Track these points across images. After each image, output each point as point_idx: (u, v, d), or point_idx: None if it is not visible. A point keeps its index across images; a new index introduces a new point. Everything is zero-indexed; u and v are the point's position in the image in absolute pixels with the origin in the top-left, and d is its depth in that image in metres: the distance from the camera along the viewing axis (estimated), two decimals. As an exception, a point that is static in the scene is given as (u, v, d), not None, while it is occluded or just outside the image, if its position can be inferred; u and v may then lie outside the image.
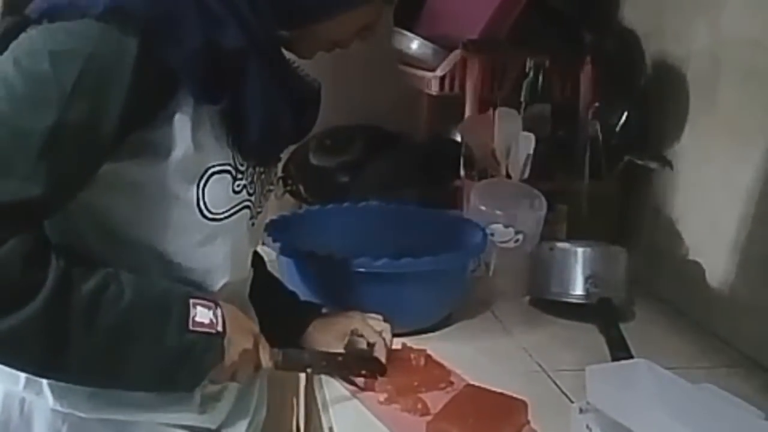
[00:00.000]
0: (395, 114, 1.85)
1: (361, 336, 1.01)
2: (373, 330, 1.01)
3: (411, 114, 1.88)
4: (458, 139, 1.68)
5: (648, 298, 1.37)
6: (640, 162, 1.45)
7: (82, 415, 0.80)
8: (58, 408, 0.79)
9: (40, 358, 0.69)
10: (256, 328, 0.86)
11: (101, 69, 0.69)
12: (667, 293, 1.39)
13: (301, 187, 1.69)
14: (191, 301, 0.76)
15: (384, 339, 1.01)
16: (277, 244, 1.13)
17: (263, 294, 0.98)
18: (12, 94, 0.67)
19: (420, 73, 1.69)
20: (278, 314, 0.99)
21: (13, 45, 0.70)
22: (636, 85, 1.51)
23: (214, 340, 0.76)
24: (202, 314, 0.76)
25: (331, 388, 1.00)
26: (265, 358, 0.84)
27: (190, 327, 0.74)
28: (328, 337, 1.02)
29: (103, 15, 0.68)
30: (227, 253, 0.83)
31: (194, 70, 0.72)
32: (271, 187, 0.92)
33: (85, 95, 0.68)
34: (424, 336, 1.14)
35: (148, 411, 0.81)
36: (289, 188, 1.70)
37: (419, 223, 1.34)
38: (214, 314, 0.77)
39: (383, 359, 0.98)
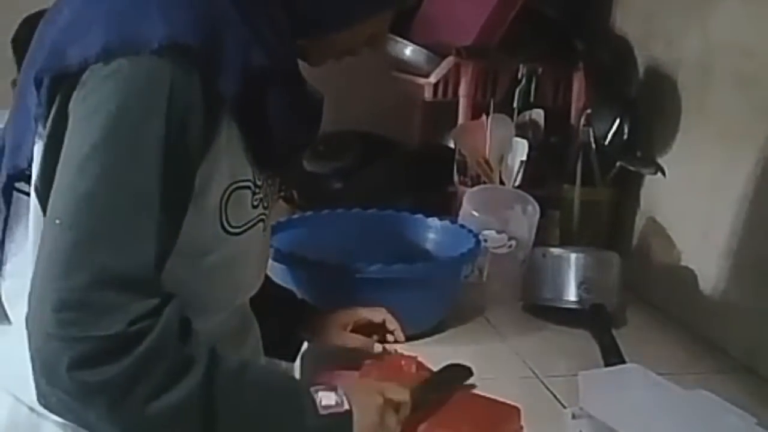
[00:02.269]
0: (389, 120, 1.85)
1: (367, 324, 1.03)
2: (376, 313, 1.04)
3: (404, 120, 1.89)
4: (451, 145, 1.68)
5: (640, 303, 1.38)
6: (632, 168, 1.46)
7: None
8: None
9: None
10: (383, 396, 0.84)
11: (182, 108, 0.68)
12: (659, 299, 1.40)
13: (295, 193, 1.69)
14: (311, 388, 0.78)
15: (388, 327, 1.03)
16: (270, 250, 1.14)
17: (261, 294, 0.97)
18: (110, 160, 0.65)
19: (414, 79, 1.70)
20: (275, 312, 1.00)
21: (81, 107, 0.68)
22: (627, 91, 1.51)
23: (344, 419, 0.78)
24: (327, 398, 0.77)
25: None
26: (392, 421, 0.84)
27: (321, 412, 0.76)
28: (334, 327, 1.03)
29: (159, 50, 0.66)
30: (246, 266, 0.84)
31: (239, 95, 0.72)
32: (276, 196, 0.92)
33: (175, 139, 0.67)
34: (417, 342, 1.14)
35: None
36: (282, 194, 1.70)
37: (412, 229, 1.35)
38: (338, 395, 0.78)
39: (400, 329, 1.03)
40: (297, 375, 1.08)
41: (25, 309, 0.72)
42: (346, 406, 0.78)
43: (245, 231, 0.80)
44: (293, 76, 0.82)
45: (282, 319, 1.03)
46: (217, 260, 0.79)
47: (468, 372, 1.00)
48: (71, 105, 0.68)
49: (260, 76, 0.74)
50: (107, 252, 0.65)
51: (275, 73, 0.76)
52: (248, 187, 0.79)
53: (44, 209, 0.69)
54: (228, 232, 0.78)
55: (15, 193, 0.76)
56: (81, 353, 0.63)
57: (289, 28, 0.80)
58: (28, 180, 0.74)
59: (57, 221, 0.65)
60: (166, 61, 0.67)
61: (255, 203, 0.81)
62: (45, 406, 0.68)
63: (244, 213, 0.79)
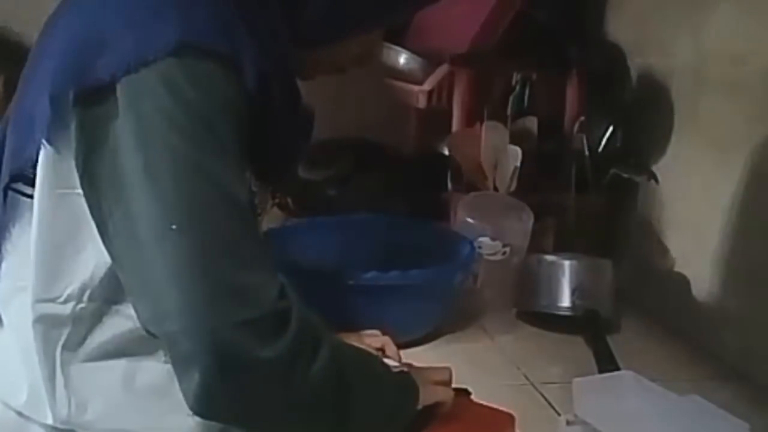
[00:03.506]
0: (383, 127, 1.85)
1: None
2: (370, 347, 0.99)
3: (399, 127, 1.89)
4: (446, 152, 1.69)
5: (634, 310, 1.38)
6: (625, 175, 1.46)
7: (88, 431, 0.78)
8: (58, 425, 0.78)
9: (278, 400, 0.69)
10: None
11: (233, 107, 0.69)
12: (653, 305, 1.40)
13: (289, 200, 1.69)
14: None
15: (387, 354, 1.00)
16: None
17: None
18: (197, 157, 0.66)
19: (408, 86, 1.70)
20: None
21: (129, 117, 0.66)
22: (621, 99, 1.52)
23: (408, 376, 0.83)
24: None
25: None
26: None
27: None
28: None
29: (177, 52, 0.65)
30: None
31: (253, 96, 0.72)
32: (264, 205, 0.91)
33: (234, 134, 0.69)
34: (411, 349, 1.14)
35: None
36: (276, 201, 1.70)
37: (407, 236, 1.35)
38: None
39: (397, 358, 1.01)
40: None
41: (19, 311, 0.73)
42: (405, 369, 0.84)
43: None
44: (292, 87, 0.81)
45: None
46: None
47: (466, 393, 0.99)
48: (113, 119, 0.66)
49: (264, 80, 0.73)
50: (234, 240, 0.67)
51: (275, 78, 0.75)
52: None
53: (96, 219, 0.69)
54: None
55: (11, 194, 0.75)
56: (254, 333, 0.64)
57: (288, 40, 0.80)
58: (27, 182, 0.73)
59: (173, 227, 0.65)
60: (195, 60, 0.66)
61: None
62: (203, 414, 0.67)
63: None
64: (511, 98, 1.59)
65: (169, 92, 0.65)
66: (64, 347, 0.74)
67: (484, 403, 0.96)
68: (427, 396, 0.85)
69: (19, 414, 0.78)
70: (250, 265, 0.67)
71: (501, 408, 0.94)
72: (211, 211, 0.66)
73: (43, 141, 0.70)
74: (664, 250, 1.40)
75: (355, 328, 1.04)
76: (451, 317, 1.25)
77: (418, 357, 1.08)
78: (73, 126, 0.68)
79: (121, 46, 0.66)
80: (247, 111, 0.70)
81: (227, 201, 0.67)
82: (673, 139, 1.38)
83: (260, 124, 0.74)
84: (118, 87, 0.66)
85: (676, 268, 1.36)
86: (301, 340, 0.67)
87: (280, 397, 0.68)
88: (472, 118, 1.60)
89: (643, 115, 1.46)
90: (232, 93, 0.68)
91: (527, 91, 1.60)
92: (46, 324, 0.73)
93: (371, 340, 1.01)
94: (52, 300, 0.72)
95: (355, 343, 0.98)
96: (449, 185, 1.59)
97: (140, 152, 0.65)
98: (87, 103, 0.67)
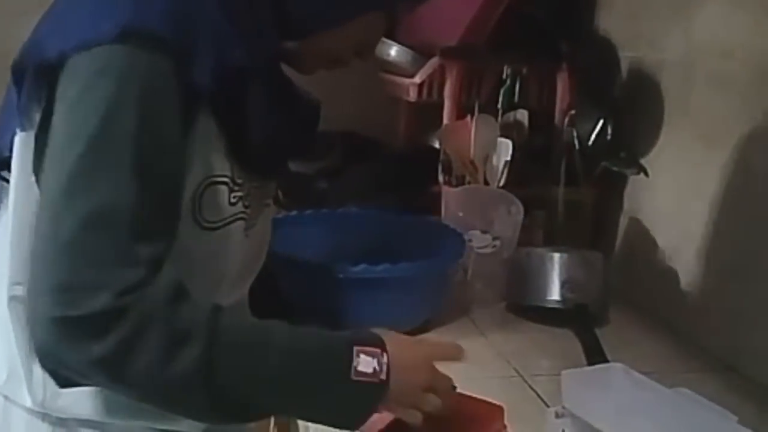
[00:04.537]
0: (374, 120, 1.85)
1: None
2: None
3: (389, 120, 1.89)
4: (436, 145, 1.69)
5: (623, 303, 1.39)
6: (615, 168, 1.47)
7: (63, 416, 0.79)
8: (36, 409, 0.79)
9: (195, 406, 0.69)
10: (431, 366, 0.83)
11: (154, 95, 0.68)
12: (641, 298, 1.40)
13: (280, 193, 1.69)
14: (355, 348, 0.74)
15: None
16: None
17: (258, 313, 0.94)
18: (84, 149, 0.66)
19: (399, 79, 1.70)
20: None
21: (62, 99, 0.68)
22: (611, 92, 1.52)
23: (376, 389, 0.74)
24: (365, 363, 0.73)
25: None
26: (434, 401, 0.81)
27: (353, 377, 0.73)
28: None
29: (126, 38, 0.67)
30: (225, 263, 0.83)
31: (215, 90, 0.72)
32: (268, 202, 0.91)
33: (150, 124, 0.68)
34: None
35: (148, 419, 0.81)
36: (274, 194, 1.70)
37: (397, 229, 1.35)
38: (378, 363, 0.74)
39: None
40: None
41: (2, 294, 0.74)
42: (383, 377, 0.74)
43: (221, 227, 0.79)
44: (275, 78, 0.82)
45: None
46: (191, 254, 0.77)
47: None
48: (56, 96, 0.69)
49: (239, 74, 0.74)
50: (86, 239, 0.65)
51: (255, 72, 0.76)
52: (225, 183, 0.78)
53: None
54: (202, 227, 0.78)
55: None
56: (67, 333, 0.64)
57: (275, 29, 0.80)
58: (8, 167, 0.75)
59: (42, 214, 0.67)
60: (135, 48, 0.67)
61: (233, 200, 0.80)
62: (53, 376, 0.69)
63: (220, 209, 0.79)
64: (501, 91, 1.60)
65: (95, 79, 0.67)
66: None
67: (474, 395, 0.96)
68: (405, 392, 0.78)
69: (6, 397, 0.79)
70: (93, 264, 0.65)
71: (490, 400, 0.95)
72: (73, 208, 0.65)
73: (20, 121, 0.72)
74: (654, 244, 1.40)
75: (346, 321, 1.04)
76: (441, 310, 1.25)
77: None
78: (35, 107, 0.71)
79: (74, 29, 0.69)
80: (192, 103, 0.71)
81: (98, 200, 0.66)
82: (663, 132, 1.39)
83: (234, 117, 0.75)
84: (64, 67, 0.68)
85: (666, 262, 1.37)
86: (135, 340, 0.64)
87: (123, 388, 0.68)
88: (463, 111, 1.60)
89: (633, 109, 1.46)
90: (169, 84, 0.69)
91: (518, 85, 1.60)
92: (20, 306, 0.74)
93: None
94: (25, 282, 0.72)
95: None
96: (440, 178, 1.59)
97: (55, 137, 0.68)
98: (43, 84, 0.70)
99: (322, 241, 1.29)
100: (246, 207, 0.82)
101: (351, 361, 0.73)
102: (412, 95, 1.66)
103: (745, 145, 1.15)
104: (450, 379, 0.84)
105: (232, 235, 0.82)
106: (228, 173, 0.78)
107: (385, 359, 0.75)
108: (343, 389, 0.73)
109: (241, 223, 0.82)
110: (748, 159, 1.14)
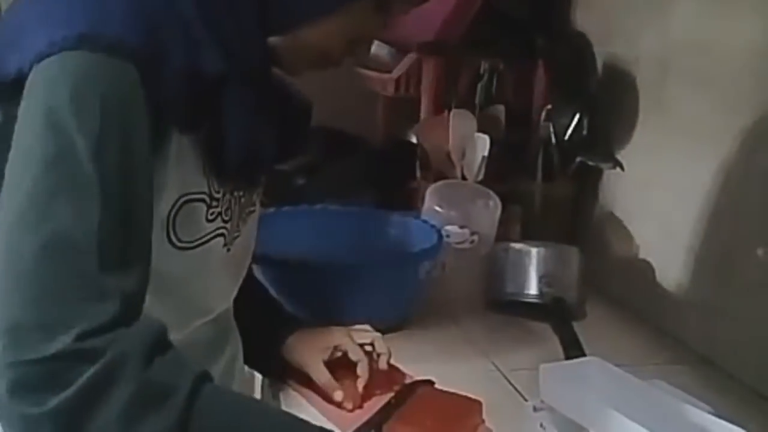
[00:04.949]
0: (351, 116, 1.85)
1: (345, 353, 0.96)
2: (357, 347, 0.96)
3: (367, 116, 1.89)
4: (414, 140, 1.69)
5: (600, 296, 1.40)
6: (591, 163, 1.47)
7: None
8: None
9: None
10: None
11: (118, 106, 0.62)
12: (618, 292, 1.42)
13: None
14: None
15: (376, 352, 0.97)
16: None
17: (246, 304, 0.93)
18: (41, 170, 0.59)
19: (376, 75, 1.70)
20: (257, 324, 0.97)
21: (21, 112, 0.62)
22: (587, 87, 1.53)
23: None
24: None
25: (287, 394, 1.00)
26: None
27: None
28: (311, 350, 0.97)
29: (77, 45, 0.62)
30: (203, 284, 0.79)
31: (180, 100, 0.67)
32: (252, 209, 0.88)
33: (112, 137, 0.61)
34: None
35: None
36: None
37: (375, 224, 1.34)
38: None
39: (366, 375, 0.95)
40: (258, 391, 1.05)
41: None
42: None
43: (198, 246, 0.75)
44: (261, 80, 0.76)
45: (265, 332, 0.98)
46: (166, 277, 0.73)
47: (430, 383, 0.99)
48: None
49: (216, 81, 0.69)
50: (46, 262, 0.57)
51: (235, 78, 0.71)
52: (202, 200, 0.74)
53: None
54: (176, 247, 0.73)
55: None
56: (18, 381, 0.55)
57: (258, 27, 0.74)
58: None
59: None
60: (93, 54, 0.62)
61: (211, 217, 0.76)
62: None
63: (197, 227, 0.75)
64: (478, 87, 1.60)
65: (49, 91, 0.61)
66: None
67: (452, 390, 0.97)
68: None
69: None
70: (51, 299, 0.57)
71: (468, 395, 0.95)
72: (29, 236, 0.58)
73: None
74: (629, 238, 1.41)
75: (323, 317, 1.04)
76: (419, 305, 1.25)
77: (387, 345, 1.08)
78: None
79: (31, 40, 0.64)
80: (163, 115, 0.66)
81: (57, 226, 0.58)
82: (639, 127, 1.40)
83: (211, 129, 0.71)
84: (28, 80, 0.63)
85: (641, 255, 1.38)
86: (97, 393, 0.55)
87: None
88: (440, 106, 1.60)
89: (609, 104, 1.47)
90: (134, 94, 0.63)
91: (495, 80, 1.61)
92: None
93: (360, 336, 0.98)
94: None
95: (344, 339, 0.96)
96: (417, 173, 1.59)
97: (12, 158, 0.62)
98: (5, 98, 0.65)
99: (301, 237, 1.29)
100: (226, 221, 0.79)
101: None
102: (390, 90, 1.66)
103: (721, 140, 1.16)
104: None
105: (212, 252, 0.78)
106: (204, 189, 0.74)
107: None
108: None
109: (220, 239, 0.79)
110: (723, 153, 1.16)
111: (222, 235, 0.79)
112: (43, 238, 0.58)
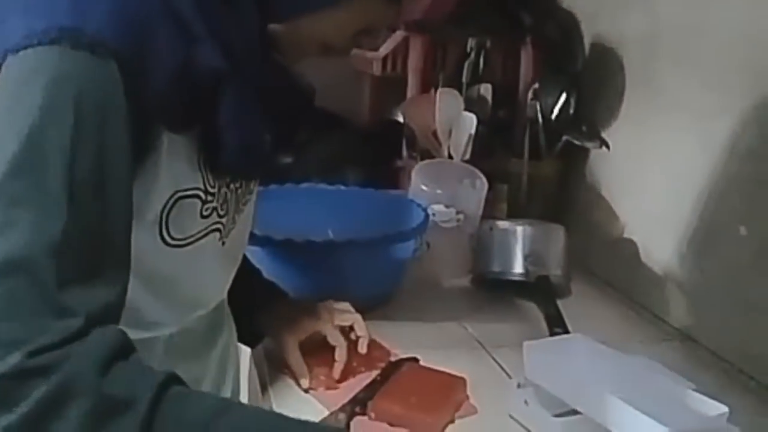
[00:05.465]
0: (338, 94, 1.83)
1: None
2: (337, 332, 0.96)
3: (353, 94, 1.88)
4: (400, 119, 1.68)
5: (585, 274, 1.41)
6: (577, 142, 1.48)
7: None
8: None
9: None
10: None
11: (94, 110, 0.59)
12: (602, 270, 1.42)
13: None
14: None
15: (357, 331, 0.97)
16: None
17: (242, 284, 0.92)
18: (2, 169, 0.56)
19: (362, 53, 1.68)
20: (237, 291, 0.94)
21: None
22: (574, 66, 1.53)
23: None
24: None
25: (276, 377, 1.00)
26: None
27: None
28: (289, 331, 0.96)
29: (56, 40, 0.58)
30: (198, 281, 0.78)
31: (172, 100, 0.64)
32: (249, 197, 0.86)
33: (83, 142, 0.58)
34: (365, 316, 1.14)
35: None
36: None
37: (361, 203, 1.34)
38: None
39: (344, 360, 0.95)
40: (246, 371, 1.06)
41: None
42: None
43: (191, 243, 0.74)
44: (261, 70, 0.74)
45: (244, 298, 0.96)
46: (159, 275, 0.72)
47: (415, 360, 1.00)
48: None
49: (211, 78, 0.67)
50: (2, 274, 0.54)
51: (231, 73, 0.68)
52: (196, 196, 0.72)
53: None
54: (169, 245, 0.71)
55: None
56: None
57: (258, 16, 0.72)
58: None
59: None
60: (72, 51, 0.58)
61: (206, 212, 0.74)
62: None
63: (190, 224, 0.73)
64: (465, 65, 1.59)
65: (22, 85, 0.58)
66: None
67: (436, 367, 0.97)
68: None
69: None
70: (4, 314, 0.54)
71: (453, 372, 0.96)
72: None
73: None
74: (615, 217, 1.42)
75: (309, 294, 1.04)
76: (405, 284, 1.26)
77: (372, 324, 1.09)
78: None
79: (9, 27, 0.60)
80: (152, 115, 0.64)
81: (17, 235, 0.55)
82: (624, 106, 1.40)
83: (206, 124, 0.68)
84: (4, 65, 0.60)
85: (626, 234, 1.39)
86: (49, 412, 0.52)
87: None
88: (427, 84, 1.59)
89: (596, 83, 1.47)
90: (116, 93, 0.60)
91: (482, 59, 1.60)
92: None
93: (341, 318, 0.98)
94: None
95: (325, 325, 0.96)
96: (404, 152, 1.59)
97: None
98: None
99: (287, 215, 1.28)
100: (221, 216, 0.77)
101: None
102: (376, 69, 1.65)
103: (706, 119, 1.17)
104: None
105: (207, 248, 0.77)
106: (199, 184, 0.72)
107: None
108: None
109: (215, 234, 0.78)
110: (709, 132, 1.16)
111: (218, 230, 0.78)
112: (0, 248, 0.54)
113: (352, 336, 0.98)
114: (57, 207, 0.56)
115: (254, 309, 0.98)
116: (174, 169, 0.69)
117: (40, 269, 0.55)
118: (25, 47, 0.59)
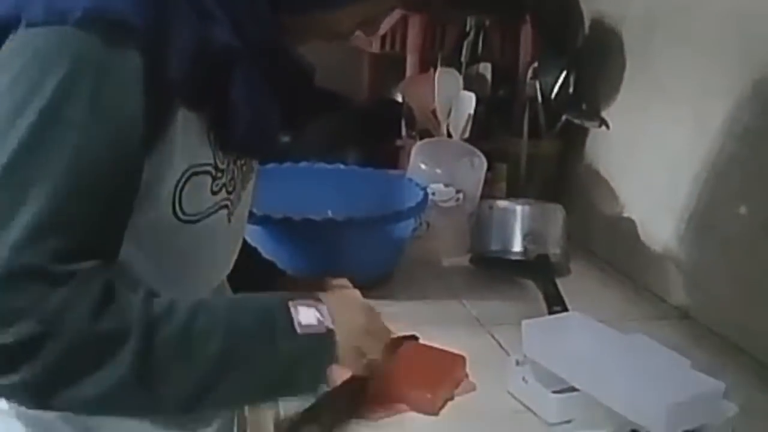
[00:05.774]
0: (336, 73, 1.82)
1: None
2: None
3: (352, 73, 1.87)
4: (399, 98, 1.68)
5: (583, 253, 1.41)
6: (576, 121, 1.48)
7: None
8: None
9: (142, 410, 0.65)
10: (370, 309, 0.81)
11: (112, 91, 0.61)
12: (601, 249, 1.43)
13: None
14: (290, 303, 0.71)
15: None
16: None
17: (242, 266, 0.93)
18: (14, 148, 0.58)
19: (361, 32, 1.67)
20: (237, 270, 0.94)
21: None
22: (573, 45, 1.52)
23: (327, 338, 0.71)
24: (306, 315, 0.70)
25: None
26: (375, 347, 0.78)
27: (299, 331, 0.69)
28: None
29: (80, 21, 0.59)
30: (207, 257, 0.79)
31: (190, 78, 0.66)
32: (251, 175, 0.87)
33: (102, 124, 0.61)
34: (364, 294, 1.15)
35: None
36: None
37: (361, 182, 1.35)
38: (320, 312, 0.72)
39: None
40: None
41: None
42: (329, 324, 0.71)
43: (202, 220, 0.75)
44: (267, 57, 0.75)
45: (245, 277, 0.95)
46: (170, 252, 0.73)
47: (414, 338, 1.00)
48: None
49: (223, 56, 0.69)
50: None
51: (243, 52, 0.71)
52: (208, 172, 0.74)
53: None
54: (181, 221, 0.73)
55: None
56: None
57: (269, 3, 0.74)
58: None
59: None
60: (96, 35, 0.60)
61: (216, 189, 0.75)
62: None
63: (201, 200, 0.74)
64: (464, 44, 1.59)
65: (40, 66, 0.60)
66: None
67: (436, 345, 0.98)
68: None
69: None
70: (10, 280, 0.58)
71: (452, 350, 0.96)
72: None
73: None
74: (613, 196, 1.42)
75: (308, 273, 1.04)
76: (404, 263, 1.26)
77: (371, 303, 1.09)
78: None
79: (35, 2, 0.61)
80: (169, 96, 0.66)
81: (31, 209, 0.58)
82: (624, 85, 1.40)
83: (219, 103, 0.70)
84: (18, 33, 0.61)
85: (625, 213, 1.39)
86: (61, 364, 0.59)
87: (59, 409, 0.62)
88: (426, 63, 1.59)
89: (596, 63, 1.46)
90: (136, 78, 0.62)
91: (481, 37, 1.60)
92: None
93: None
94: None
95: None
96: (403, 131, 1.58)
97: None
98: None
99: (285, 195, 1.28)
100: (230, 193, 0.78)
101: (290, 316, 0.70)
102: (375, 47, 1.64)
103: (706, 99, 1.17)
104: (384, 325, 0.83)
105: (217, 225, 0.78)
106: (210, 161, 0.74)
107: (324, 308, 0.73)
108: (292, 347, 0.70)
109: (224, 211, 0.79)
110: (708, 112, 1.16)
111: (226, 206, 0.79)
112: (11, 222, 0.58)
113: None
114: (66, 181, 0.59)
115: (254, 288, 0.98)
116: (188, 145, 0.70)
117: (48, 240, 0.58)
118: (44, 23, 0.60)
